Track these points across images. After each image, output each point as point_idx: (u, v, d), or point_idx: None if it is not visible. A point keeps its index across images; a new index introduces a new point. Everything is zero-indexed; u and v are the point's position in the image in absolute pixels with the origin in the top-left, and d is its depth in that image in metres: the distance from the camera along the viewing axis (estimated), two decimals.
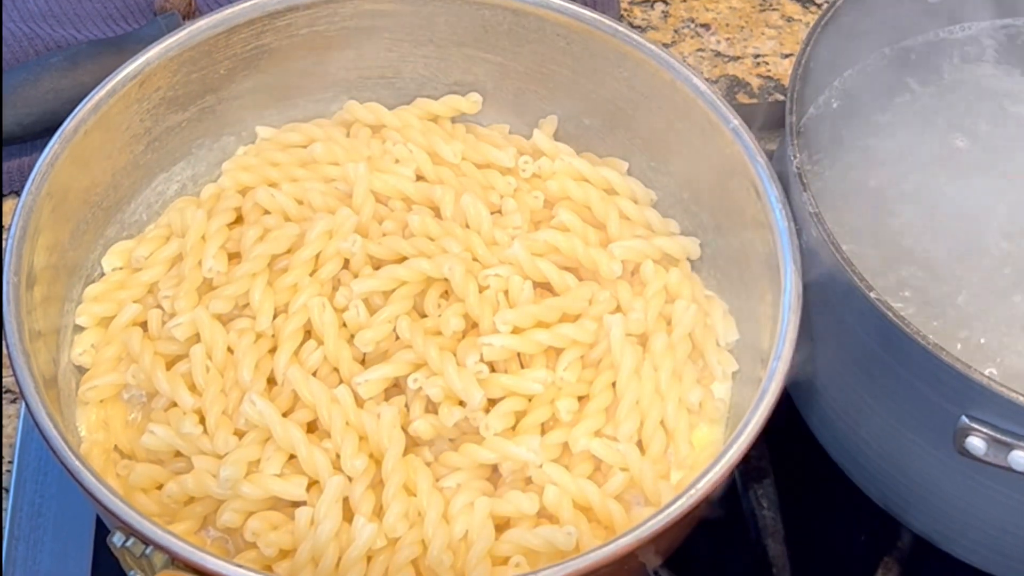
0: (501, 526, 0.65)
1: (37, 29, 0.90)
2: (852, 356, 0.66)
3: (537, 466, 0.66)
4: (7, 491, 0.75)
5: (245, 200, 0.75)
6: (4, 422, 0.77)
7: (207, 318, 0.69)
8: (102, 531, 0.72)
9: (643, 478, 0.67)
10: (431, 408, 0.67)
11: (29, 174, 0.67)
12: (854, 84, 0.76)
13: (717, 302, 0.74)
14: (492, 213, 0.75)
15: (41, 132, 0.81)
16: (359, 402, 0.67)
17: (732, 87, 0.96)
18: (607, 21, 0.74)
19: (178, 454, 0.67)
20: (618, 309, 0.72)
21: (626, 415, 0.68)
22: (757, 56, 0.98)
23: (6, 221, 0.70)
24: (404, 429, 0.67)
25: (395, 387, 0.69)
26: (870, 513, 0.71)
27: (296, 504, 0.65)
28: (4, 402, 0.78)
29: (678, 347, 0.71)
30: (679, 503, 0.59)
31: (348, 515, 0.64)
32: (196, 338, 0.69)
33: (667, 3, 1.00)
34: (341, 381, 0.68)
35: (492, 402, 0.67)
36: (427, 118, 0.80)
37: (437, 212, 0.74)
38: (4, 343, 0.64)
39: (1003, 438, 0.60)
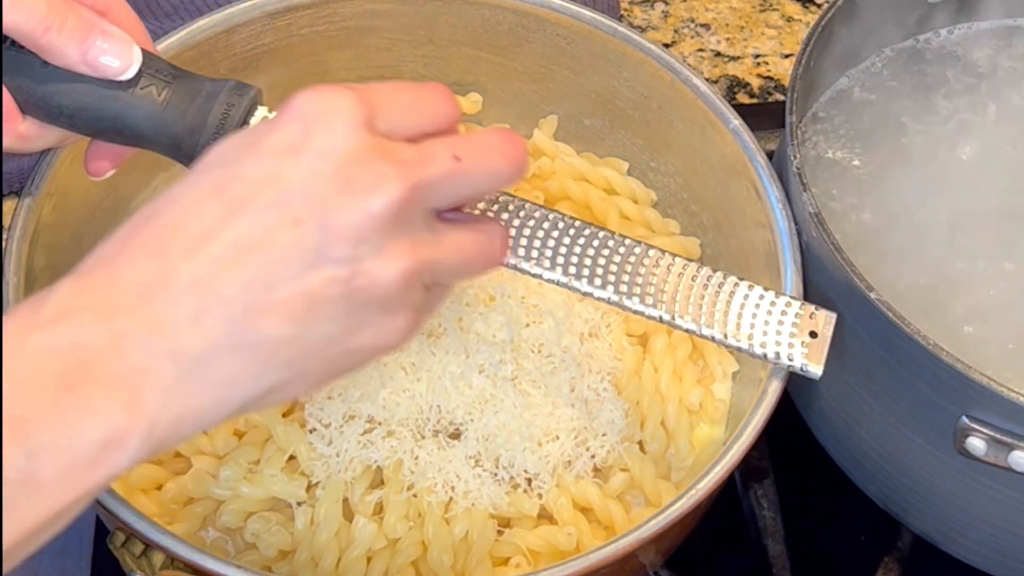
0: (501, 526, 0.65)
1: None
2: (852, 356, 0.66)
3: None
4: None
5: None
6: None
7: None
8: (102, 531, 0.72)
9: (643, 478, 0.67)
10: None
11: (29, 174, 0.67)
12: (854, 84, 0.76)
13: None
14: None
15: None
16: None
17: (732, 87, 0.96)
18: (607, 21, 0.74)
19: (177, 454, 0.67)
20: None
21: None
22: (757, 56, 0.98)
23: (6, 221, 0.69)
24: None
25: None
26: (870, 513, 0.71)
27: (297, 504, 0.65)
28: None
29: (678, 347, 0.71)
30: (679, 503, 0.59)
31: (348, 515, 0.64)
32: None
33: (667, 3, 1.00)
34: None
35: None
36: None
37: None
38: None
39: (1003, 438, 0.60)
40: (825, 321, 0.61)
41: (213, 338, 0.43)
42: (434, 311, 0.50)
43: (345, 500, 0.65)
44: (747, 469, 0.74)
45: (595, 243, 0.58)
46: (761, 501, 0.74)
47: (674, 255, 0.60)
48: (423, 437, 0.66)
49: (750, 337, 0.59)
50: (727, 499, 0.73)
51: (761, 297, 0.60)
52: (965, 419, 0.61)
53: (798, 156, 0.66)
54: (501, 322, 0.67)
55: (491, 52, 0.78)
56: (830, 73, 0.75)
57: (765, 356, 0.59)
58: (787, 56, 0.97)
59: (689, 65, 0.74)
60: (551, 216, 0.58)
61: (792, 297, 0.61)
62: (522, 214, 0.57)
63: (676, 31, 0.99)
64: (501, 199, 0.57)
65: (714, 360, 0.72)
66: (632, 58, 0.74)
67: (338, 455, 0.65)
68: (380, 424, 0.66)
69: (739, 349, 0.59)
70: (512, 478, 0.66)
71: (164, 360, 0.43)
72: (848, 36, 0.74)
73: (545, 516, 0.66)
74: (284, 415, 0.67)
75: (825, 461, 0.72)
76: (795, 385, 0.71)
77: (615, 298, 0.58)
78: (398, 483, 0.64)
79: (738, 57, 0.98)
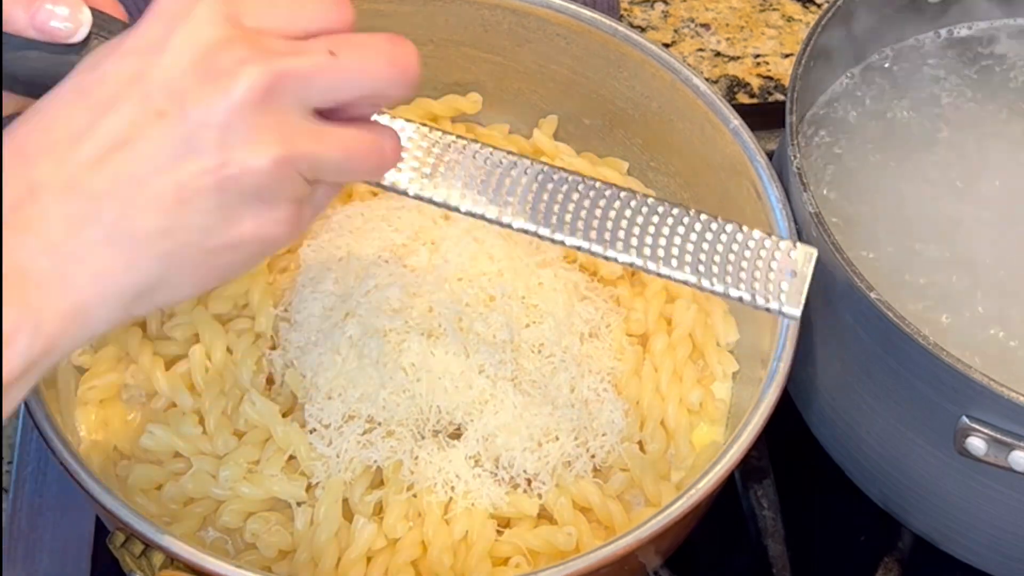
0: (501, 526, 0.65)
1: None
2: (852, 356, 0.66)
3: None
4: (7, 491, 0.75)
5: None
6: (4, 422, 0.77)
7: (206, 318, 0.69)
8: (102, 531, 0.72)
9: (643, 478, 0.67)
10: None
11: None
12: (854, 84, 0.76)
13: (717, 302, 0.74)
14: None
15: None
16: None
17: (732, 87, 0.96)
18: (607, 21, 0.74)
19: (177, 454, 0.67)
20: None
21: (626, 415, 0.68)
22: (757, 56, 0.98)
23: None
24: None
25: None
26: (870, 513, 0.71)
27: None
28: None
29: (678, 347, 0.71)
30: (679, 503, 0.59)
31: (348, 515, 0.64)
32: (195, 338, 0.69)
33: (667, 3, 1.00)
34: None
35: None
36: (427, 118, 0.80)
37: None
38: None
39: (1003, 438, 0.60)
40: (805, 259, 0.56)
41: (85, 233, 0.44)
42: (320, 209, 0.50)
43: (345, 500, 0.65)
44: (747, 469, 0.74)
45: (564, 187, 0.55)
46: (761, 501, 0.74)
47: (644, 195, 0.56)
48: (423, 437, 0.66)
49: (725, 278, 0.55)
50: (727, 499, 0.73)
51: (737, 236, 0.55)
52: (965, 419, 0.61)
53: (798, 156, 0.66)
54: (501, 322, 0.67)
55: (491, 52, 0.78)
56: (830, 73, 0.75)
57: (741, 299, 0.55)
58: (787, 56, 0.97)
59: (689, 65, 0.74)
60: (519, 162, 0.55)
61: (769, 235, 0.56)
62: (476, 156, 0.55)
63: (676, 31, 0.99)
64: (454, 140, 0.54)
65: (714, 360, 0.72)
66: (632, 58, 0.74)
67: (338, 455, 0.65)
68: (380, 424, 0.66)
69: (712, 292, 0.55)
70: (512, 478, 0.66)
71: (38, 257, 0.44)
72: (848, 36, 0.74)
73: (545, 516, 0.66)
74: (284, 415, 0.67)
75: (825, 461, 0.72)
76: (795, 385, 0.71)
77: (584, 244, 0.54)
78: (398, 483, 0.64)
79: (738, 57, 0.98)
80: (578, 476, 0.66)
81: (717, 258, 0.55)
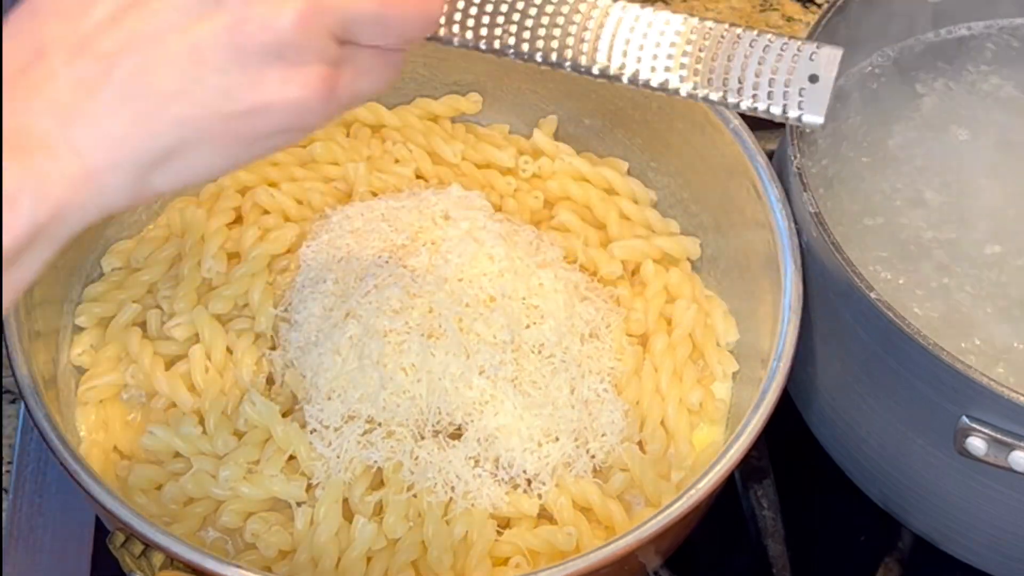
0: (501, 526, 0.65)
1: None
2: (852, 356, 0.66)
3: None
4: (7, 491, 0.75)
5: (244, 200, 0.75)
6: (4, 422, 0.77)
7: (206, 318, 0.69)
8: (102, 531, 0.72)
9: (643, 478, 0.67)
10: None
11: None
12: (855, 84, 0.76)
13: (717, 302, 0.74)
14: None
15: None
16: None
17: None
18: None
19: (177, 455, 0.67)
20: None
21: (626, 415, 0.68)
22: None
23: None
24: None
25: None
26: (870, 513, 0.71)
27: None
28: (4, 402, 0.78)
29: (678, 347, 0.71)
30: (679, 503, 0.59)
31: (348, 515, 0.64)
32: (195, 338, 0.69)
33: (667, 3, 1.00)
34: None
35: None
36: (427, 118, 0.80)
37: None
38: (4, 343, 0.64)
39: (1003, 438, 0.60)
40: (828, 61, 0.50)
41: (94, 95, 0.42)
42: (365, 87, 0.46)
43: (345, 500, 0.65)
44: (747, 469, 0.74)
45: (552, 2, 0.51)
46: (761, 501, 0.74)
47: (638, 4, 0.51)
48: (423, 438, 0.66)
49: (738, 86, 0.49)
50: (727, 499, 0.73)
51: (752, 42, 0.50)
52: (965, 419, 0.61)
53: (798, 156, 0.66)
54: (502, 323, 0.67)
55: None
56: None
57: (755, 109, 0.50)
58: None
59: None
60: None
61: (789, 37, 0.51)
62: None
63: None
64: None
65: (714, 360, 0.72)
66: None
67: (338, 456, 0.65)
68: (380, 425, 0.66)
69: (722, 103, 0.50)
70: (512, 478, 0.66)
71: (44, 119, 0.42)
72: (848, 36, 0.74)
73: (545, 516, 0.66)
74: (284, 415, 0.67)
75: (825, 461, 0.72)
76: (795, 385, 0.71)
77: (583, 62, 0.52)
78: (398, 483, 0.64)
79: None
80: (578, 476, 0.66)
81: (727, 63, 0.50)
